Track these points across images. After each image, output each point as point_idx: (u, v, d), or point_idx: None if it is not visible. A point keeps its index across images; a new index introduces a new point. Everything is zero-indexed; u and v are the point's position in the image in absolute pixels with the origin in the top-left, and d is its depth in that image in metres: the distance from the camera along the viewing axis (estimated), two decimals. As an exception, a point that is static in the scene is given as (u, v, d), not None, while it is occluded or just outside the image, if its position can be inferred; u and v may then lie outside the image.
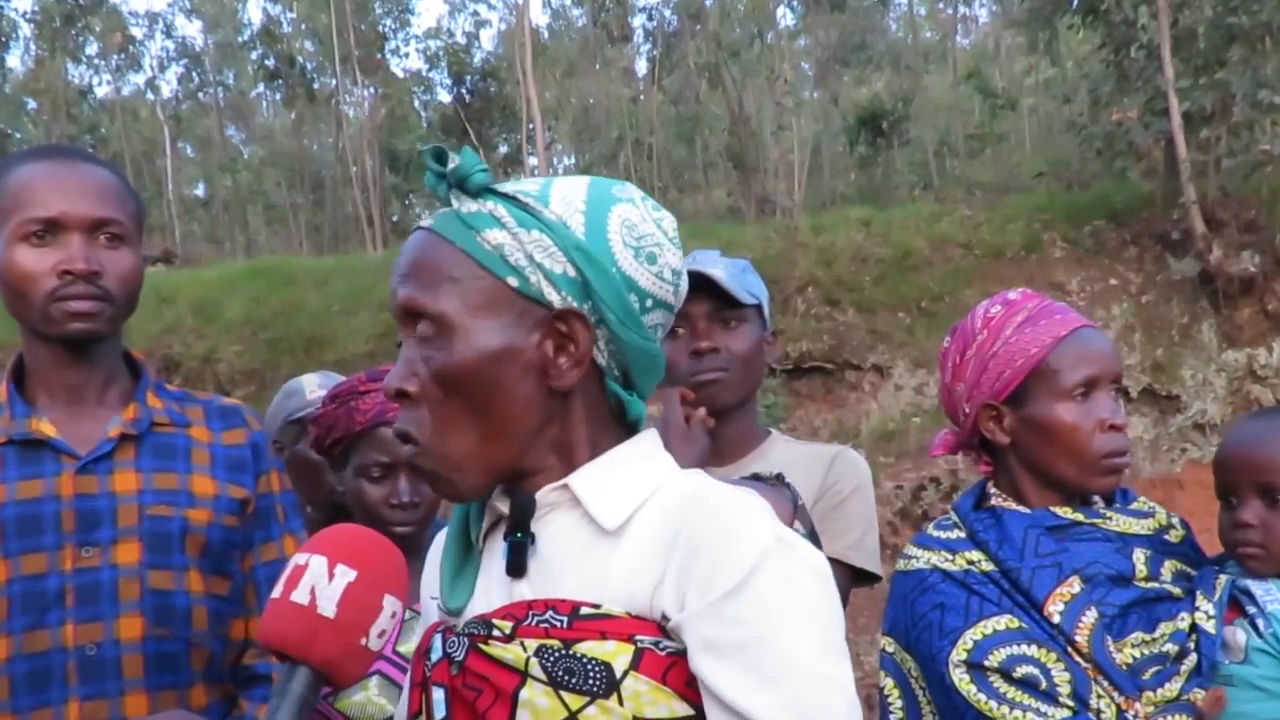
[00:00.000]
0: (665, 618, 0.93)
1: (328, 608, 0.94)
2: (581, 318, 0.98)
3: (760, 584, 0.89)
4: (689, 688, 0.92)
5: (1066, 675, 1.36)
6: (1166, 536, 1.51)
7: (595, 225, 0.99)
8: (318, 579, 0.95)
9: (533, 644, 0.94)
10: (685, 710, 0.92)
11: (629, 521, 0.98)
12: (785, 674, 0.89)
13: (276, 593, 0.96)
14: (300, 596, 0.95)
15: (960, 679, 1.38)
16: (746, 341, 1.76)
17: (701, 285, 1.69)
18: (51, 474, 1.47)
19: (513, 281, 0.97)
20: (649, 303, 1.02)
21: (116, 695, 1.44)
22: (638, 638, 0.93)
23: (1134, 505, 1.53)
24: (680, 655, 0.93)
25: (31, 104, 22.24)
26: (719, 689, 0.89)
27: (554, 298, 0.98)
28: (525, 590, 0.99)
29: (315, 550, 0.97)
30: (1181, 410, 8.46)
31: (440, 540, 1.13)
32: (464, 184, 1.00)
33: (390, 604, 0.98)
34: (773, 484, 1.44)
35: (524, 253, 0.98)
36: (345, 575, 0.95)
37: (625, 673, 0.91)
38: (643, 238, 1.01)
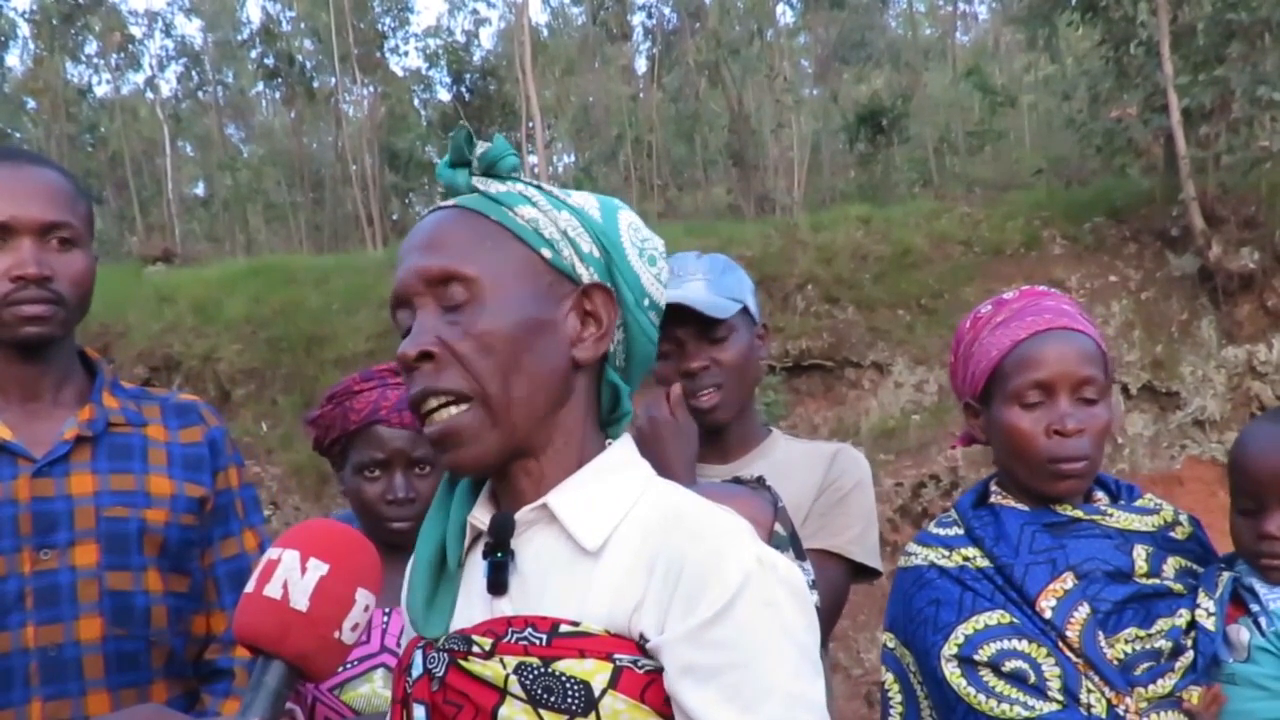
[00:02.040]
0: (644, 638, 0.93)
1: (300, 601, 0.95)
2: (607, 293, 1.02)
3: (741, 610, 0.90)
4: (667, 706, 0.92)
5: (1057, 670, 1.37)
6: (1171, 533, 1.50)
7: (609, 220, 1.06)
8: (290, 573, 0.95)
9: (512, 661, 0.94)
10: None
11: (608, 539, 0.98)
12: (761, 699, 0.90)
13: (249, 587, 0.97)
14: (273, 590, 0.95)
15: (951, 673, 1.39)
16: (736, 350, 1.74)
17: (682, 309, 1.67)
18: (8, 478, 1.46)
19: (546, 253, 1.01)
20: (646, 301, 1.06)
21: (78, 695, 1.45)
22: (616, 656, 0.93)
23: (1139, 502, 1.53)
24: (658, 673, 0.93)
25: (31, 103, 22.22)
26: (695, 712, 0.90)
27: (583, 273, 1.02)
28: (506, 607, 0.99)
29: (288, 544, 0.98)
30: (1181, 407, 8.47)
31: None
32: (494, 166, 1.04)
33: (363, 597, 0.98)
34: (754, 487, 1.45)
35: (556, 228, 1.02)
36: (317, 569, 0.96)
37: (604, 691, 0.91)
38: (645, 240, 1.07)
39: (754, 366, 1.79)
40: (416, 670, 1.00)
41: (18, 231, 1.47)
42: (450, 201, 1.04)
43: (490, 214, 1.01)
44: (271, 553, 0.98)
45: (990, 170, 15.70)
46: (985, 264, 9.15)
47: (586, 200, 1.07)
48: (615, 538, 0.98)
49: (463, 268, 0.98)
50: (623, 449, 1.05)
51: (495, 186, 1.03)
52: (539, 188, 1.05)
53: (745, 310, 1.77)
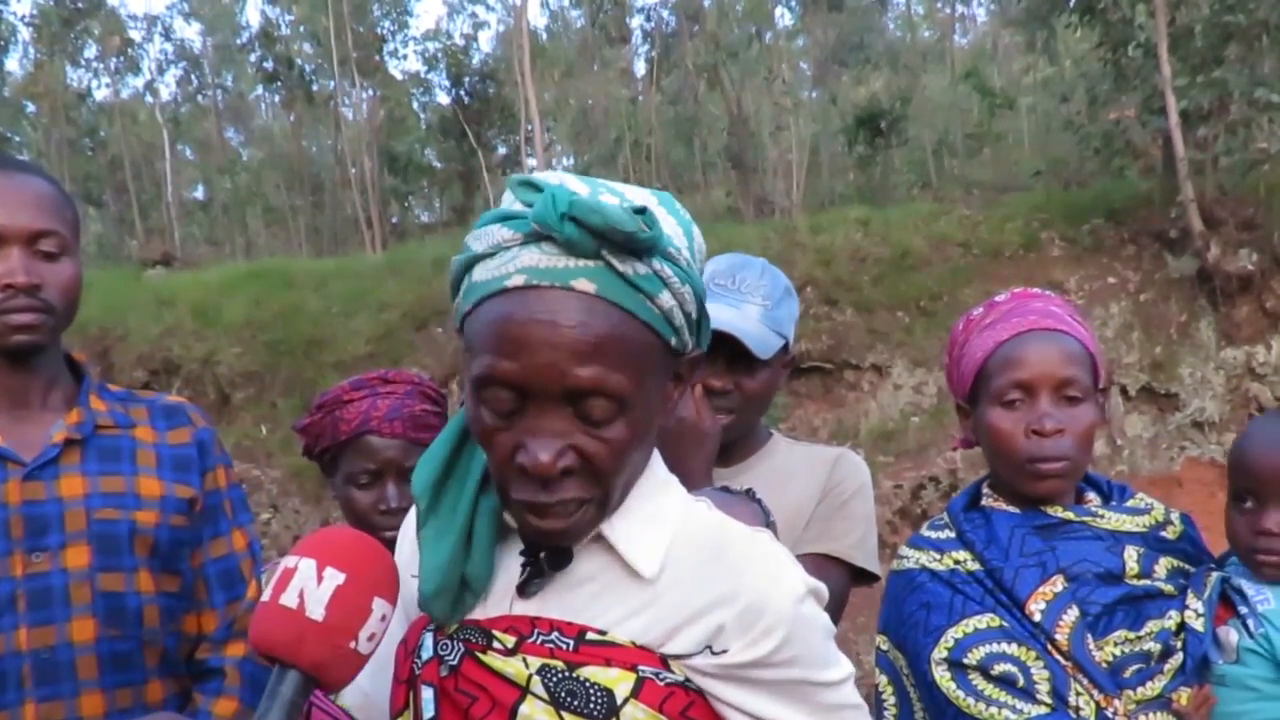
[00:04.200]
0: (677, 657, 0.97)
1: (316, 610, 0.94)
2: (698, 361, 1.02)
3: (798, 631, 0.97)
4: (683, 717, 0.96)
5: (1046, 673, 1.37)
6: (1163, 533, 1.50)
7: (696, 261, 1.01)
8: (306, 582, 0.95)
9: (536, 662, 0.96)
10: None
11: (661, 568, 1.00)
12: (815, 693, 1.00)
13: (266, 596, 0.96)
14: (289, 600, 0.94)
15: (941, 676, 1.40)
16: (762, 381, 1.71)
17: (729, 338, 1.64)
18: None
19: (672, 341, 0.97)
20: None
21: (72, 696, 1.45)
22: (640, 667, 0.95)
23: (1130, 502, 1.53)
24: (678, 686, 0.96)
25: (31, 107, 22.23)
26: (756, 712, 0.97)
27: (689, 344, 1.00)
28: (530, 606, 1.00)
29: (304, 553, 0.97)
30: (1180, 408, 8.48)
31: (413, 520, 1.11)
32: (642, 248, 0.92)
33: (380, 607, 0.98)
34: (743, 499, 1.45)
35: (682, 311, 0.97)
36: (334, 578, 0.95)
37: (626, 700, 0.94)
38: (711, 276, 1.07)
39: (772, 393, 1.78)
40: (426, 653, 1.02)
41: (6, 240, 1.47)
42: (586, 284, 0.91)
43: (634, 310, 0.92)
44: (288, 561, 0.97)
45: (989, 172, 15.70)
46: (984, 266, 9.16)
47: (689, 247, 0.99)
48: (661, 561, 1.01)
49: (615, 385, 0.91)
50: (658, 465, 1.06)
51: (635, 266, 0.92)
52: (666, 258, 0.94)
53: (785, 343, 1.75)
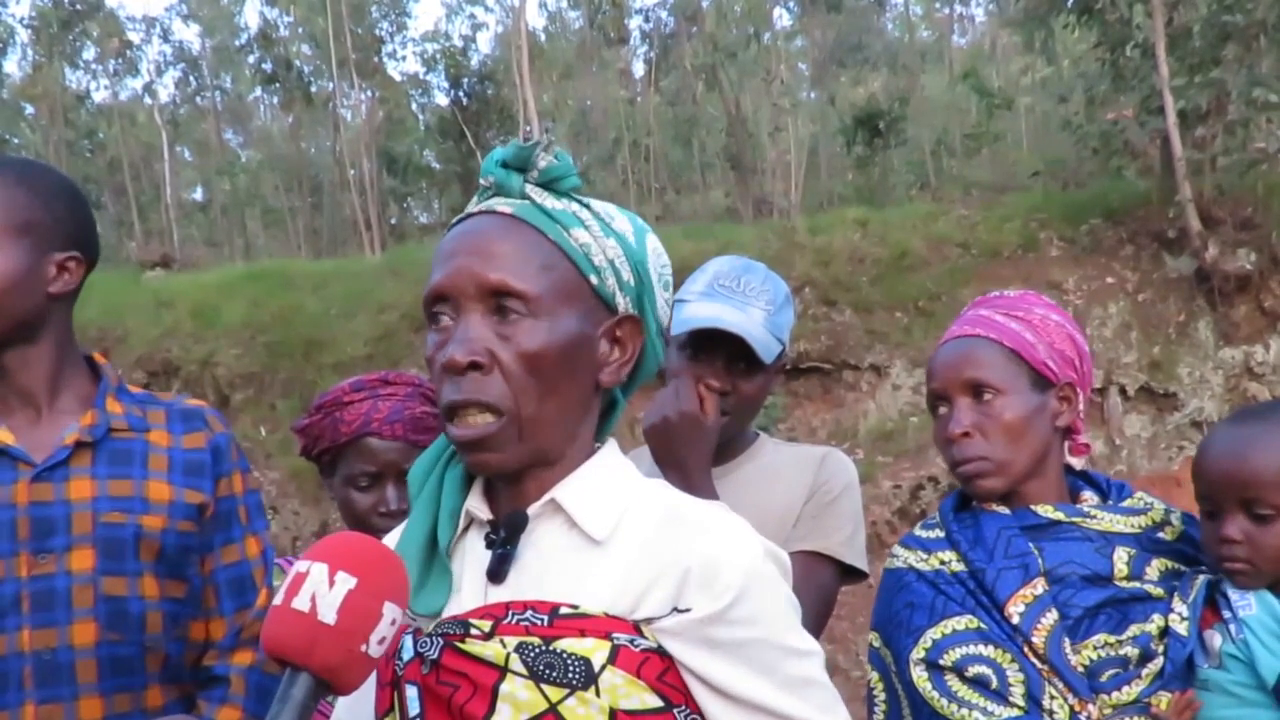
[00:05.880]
0: (646, 621, 1.00)
1: (328, 615, 0.94)
2: (637, 324, 1.07)
3: (754, 591, 1.00)
4: (660, 681, 0.99)
5: (1020, 676, 1.38)
6: (1160, 534, 1.49)
7: (641, 245, 1.10)
8: (318, 586, 0.95)
9: (513, 641, 0.99)
10: (656, 702, 0.99)
11: (613, 531, 1.04)
12: (780, 661, 1.01)
13: (278, 600, 0.97)
14: (301, 604, 0.95)
15: (919, 676, 1.42)
16: (757, 385, 1.72)
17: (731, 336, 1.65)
18: (7, 482, 1.47)
19: (593, 280, 1.05)
20: (663, 324, 1.12)
21: (71, 699, 1.45)
22: (614, 635, 0.99)
23: (1127, 502, 1.52)
24: (653, 652, 0.99)
25: (29, 109, 22.24)
26: (726, 685, 1.00)
27: (620, 302, 1.07)
28: (503, 593, 1.04)
29: (316, 558, 0.98)
30: (1179, 408, 8.48)
31: (395, 539, 1.14)
32: (555, 183, 1.06)
33: (390, 611, 0.98)
34: None
35: (605, 256, 1.06)
36: (345, 582, 0.96)
37: (603, 667, 0.98)
38: (664, 266, 1.13)
39: (766, 396, 1.79)
40: (407, 654, 1.04)
41: None
42: (505, 207, 1.05)
43: (547, 232, 1.03)
44: (300, 565, 0.98)
45: (987, 172, 15.72)
46: (982, 266, 9.16)
47: (624, 224, 1.09)
48: (619, 530, 1.04)
49: (521, 284, 1.01)
50: (614, 450, 1.12)
51: (552, 202, 1.05)
52: (589, 207, 1.07)
53: (782, 349, 1.76)
